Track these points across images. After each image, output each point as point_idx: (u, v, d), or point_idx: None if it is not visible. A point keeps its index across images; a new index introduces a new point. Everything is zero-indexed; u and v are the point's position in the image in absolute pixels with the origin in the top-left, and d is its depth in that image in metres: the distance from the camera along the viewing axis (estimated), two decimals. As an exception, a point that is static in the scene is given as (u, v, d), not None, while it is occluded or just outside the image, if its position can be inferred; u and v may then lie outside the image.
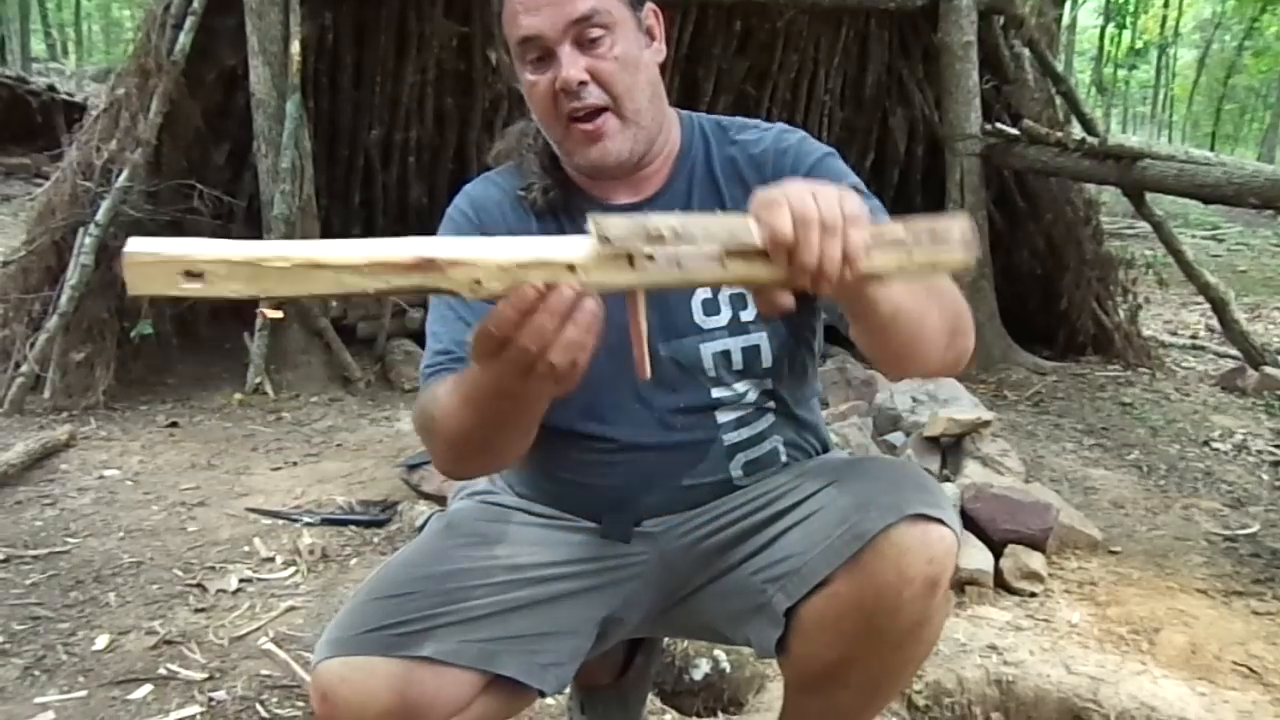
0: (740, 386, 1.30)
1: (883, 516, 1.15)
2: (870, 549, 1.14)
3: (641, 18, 1.27)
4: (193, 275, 0.77)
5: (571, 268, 0.84)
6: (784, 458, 1.35)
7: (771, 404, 1.33)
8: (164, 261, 0.77)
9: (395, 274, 0.80)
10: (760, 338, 1.29)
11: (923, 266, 0.93)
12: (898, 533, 1.14)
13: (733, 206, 1.27)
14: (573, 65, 1.19)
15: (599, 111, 1.22)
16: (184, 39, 4.21)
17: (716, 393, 1.30)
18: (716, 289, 1.29)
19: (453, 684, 1.15)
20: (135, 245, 0.77)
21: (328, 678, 1.13)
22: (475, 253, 0.83)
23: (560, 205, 1.32)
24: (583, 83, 1.19)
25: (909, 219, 0.92)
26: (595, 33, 1.19)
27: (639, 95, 1.24)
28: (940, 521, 1.16)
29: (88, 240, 4.02)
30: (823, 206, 0.89)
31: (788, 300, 0.93)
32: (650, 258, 0.85)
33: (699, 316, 1.29)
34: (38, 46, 21.43)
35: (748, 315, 1.29)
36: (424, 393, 1.22)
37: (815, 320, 1.38)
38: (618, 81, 1.21)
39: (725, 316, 1.29)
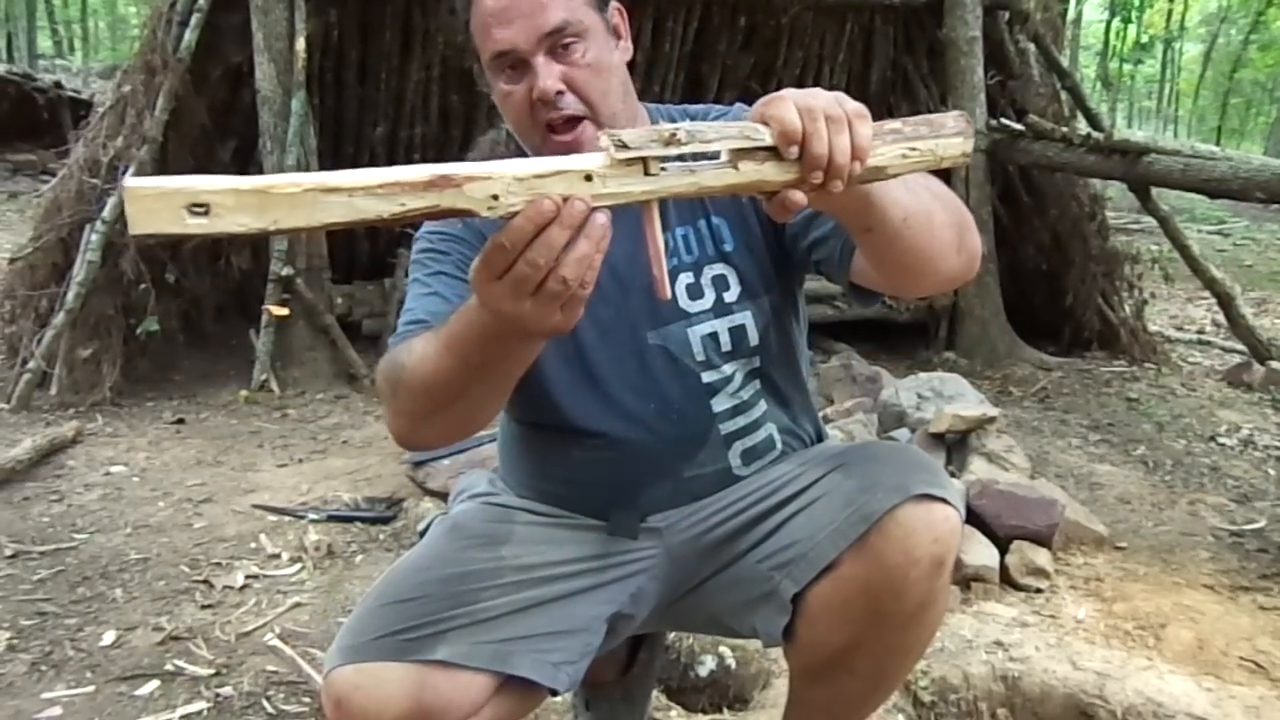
0: (729, 368, 1.31)
1: (888, 498, 1.16)
2: (876, 530, 1.15)
3: (608, 18, 1.27)
4: (197, 210, 0.73)
5: (589, 177, 0.84)
6: (779, 445, 1.36)
7: (763, 388, 1.35)
8: (168, 194, 0.73)
9: (410, 194, 0.78)
10: (745, 316, 1.31)
11: (925, 156, 0.94)
12: (903, 513, 1.15)
13: None
14: (549, 75, 1.19)
15: (576, 121, 1.22)
16: (190, 36, 4.22)
17: (707, 377, 1.31)
18: (698, 274, 1.30)
19: (467, 686, 1.16)
20: (136, 180, 0.74)
21: (341, 685, 1.13)
22: (490, 168, 0.81)
23: None
24: (559, 92, 1.19)
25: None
26: (568, 41, 1.20)
27: (612, 99, 1.24)
28: (944, 501, 1.17)
29: (94, 237, 4.02)
30: (824, 100, 0.90)
31: (800, 199, 0.92)
32: (664, 168, 0.86)
33: (684, 301, 1.30)
34: (44, 43, 21.45)
35: (731, 296, 1.31)
36: (391, 350, 1.18)
37: (797, 288, 1.39)
38: (593, 88, 1.21)
39: (709, 299, 1.31)
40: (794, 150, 0.89)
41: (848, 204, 1.01)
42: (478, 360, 1.01)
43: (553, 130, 1.22)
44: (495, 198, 0.81)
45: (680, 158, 0.86)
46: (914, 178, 1.04)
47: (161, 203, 0.73)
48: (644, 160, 0.85)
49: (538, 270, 0.87)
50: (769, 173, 0.90)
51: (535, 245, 0.86)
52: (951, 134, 0.95)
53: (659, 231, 0.91)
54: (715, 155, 0.89)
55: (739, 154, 0.88)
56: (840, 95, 0.92)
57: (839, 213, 1.08)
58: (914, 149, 0.93)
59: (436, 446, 1.29)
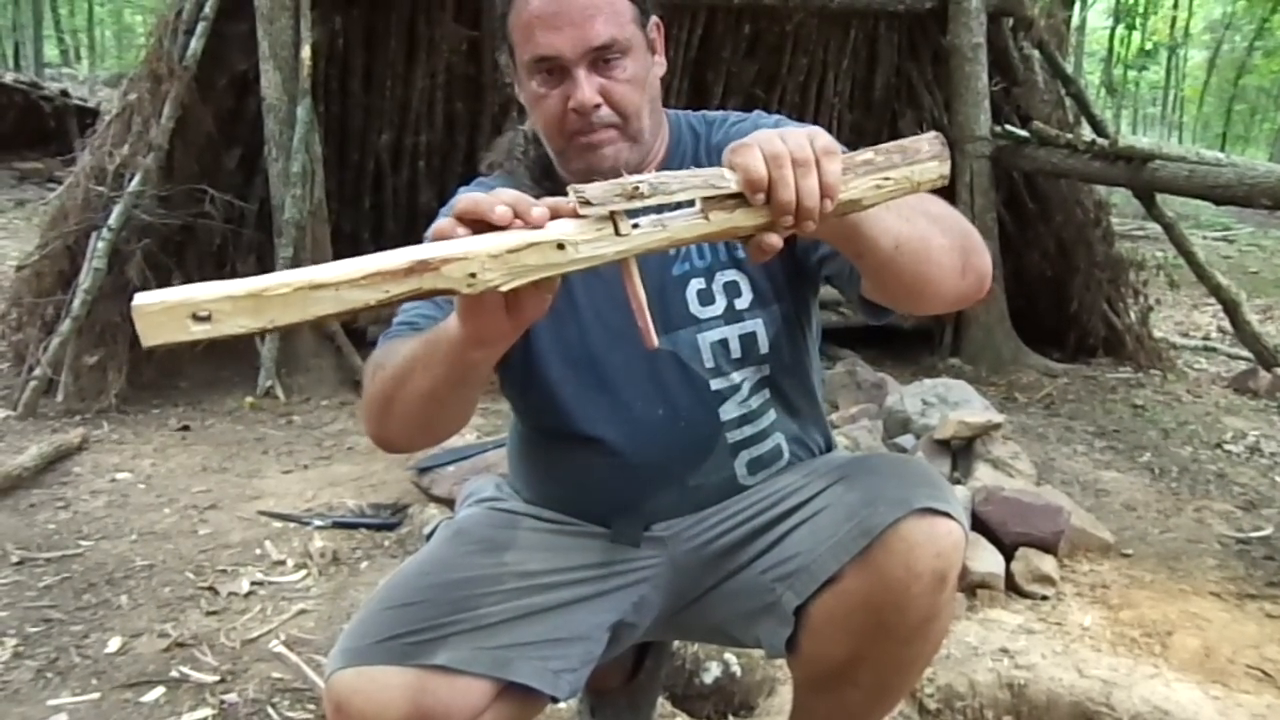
0: (738, 376, 1.31)
1: (890, 511, 1.15)
2: (879, 544, 1.15)
3: (648, 33, 1.28)
4: (200, 318, 0.78)
5: (561, 245, 0.86)
6: (787, 455, 1.36)
7: (772, 397, 1.34)
8: (172, 308, 0.78)
9: (392, 281, 0.81)
10: (756, 324, 1.30)
11: (900, 183, 0.94)
12: (906, 527, 1.14)
13: None
14: (589, 88, 1.20)
15: (605, 128, 1.23)
16: (195, 44, 4.23)
17: (716, 384, 1.30)
18: (709, 280, 1.30)
19: (466, 692, 1.16)
20: (142, 298, 0.78)
21: (341, 688, 1.13)
22: (466, 247, 0.84)
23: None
24: (596, 105, 1.21)
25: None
26: (612, 56, 1.21)
27: (644, 114, 1.26)
28: (948, 515, 1.16)
29: (100, 244, 4.03)
30: (792, 144, 0.90)
31: (775, 241, 0.93)
32: (635, 225, 0.87)
33: (695, 307, 1.30)
34: (51, 52, 21.55)
35: (742, 303, 1.31)
36: (378, 348, 1.22)
37: (810, 297, 1.39)
38: (629, 103, 1.23)
39: (720, 305, 1.30)
40: (760, 197, 0.90)
41: (832, 234, 1.01)
42: (453, 360, 1.04)
43: (579, 134, 1.23)
44: (473, 275, 0.84)
45: (646, 210, 0.88)
46: (912, 201, 1.04)
47: (167, 316, 0.78)
48: (613, 217, 0.86)
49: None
50: (740, 219, 0.91)
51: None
52: (926, 158, 0.95)
53: (639, 287, 0.92)
54: (692, 203, 0.90)
55: (710, 202, 0.90)
56: (814, 131, 0.93)
57: (828, 240, 1.08)
58: (888, 178, 0.94)
59: (401, 447, 1.31)
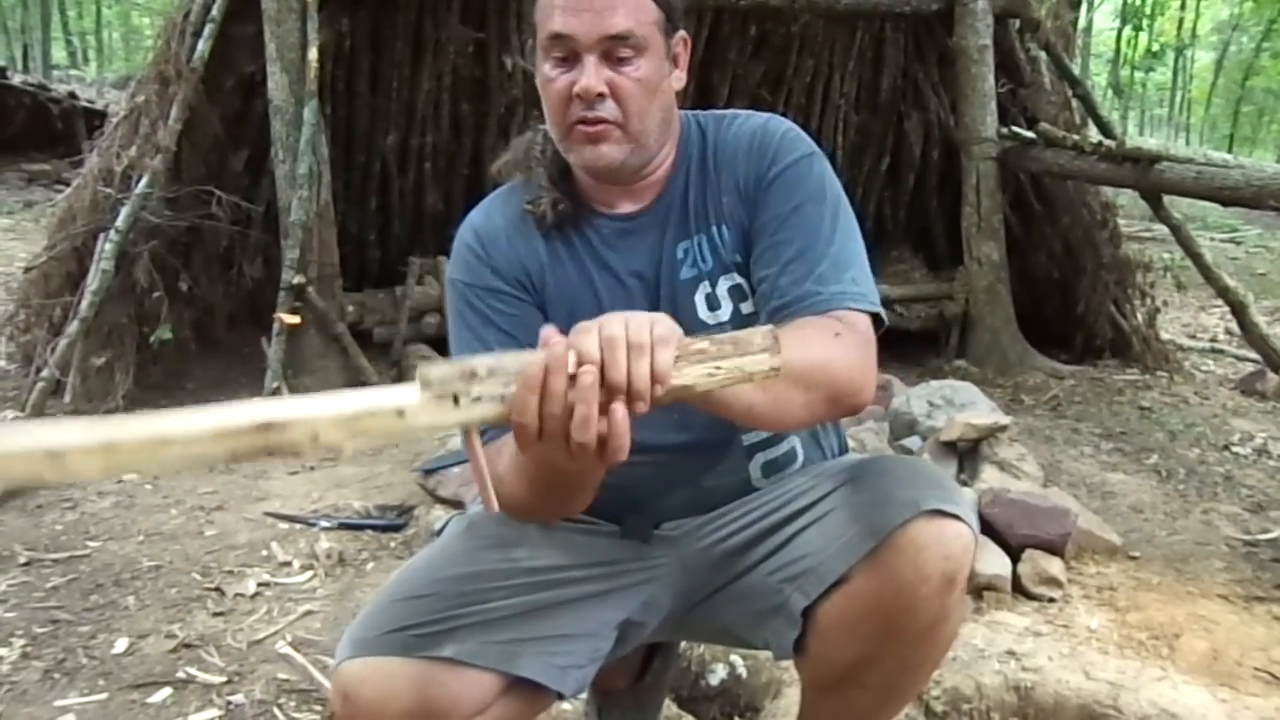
0: None
1: (899, 513, 1.15)
2: (887, 545, 1.14)
3: (671, 45, 1.29)
4: (55, 459, 0.80)
5: (400, 413, 0.89)
6: (801, 457, 1.36)
7: None
8: (30, 454, 0.80)
9: (239, 439, 0.84)
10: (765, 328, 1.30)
11: (731, 373, 0.98)
12: (915, 529, 1.14)
13: (724, 191, 1.32)
14: (595, 76, 1.20)
15: (605, 123, 1.23)
16: (203, 46, 4.24)
17: None
18: (714, 284, 1.31)
19: (473, 685, 1.16)
20: None
21: (349, 678, 1.14)
22: (309, 411, 0.87)
23: (569, 218, 1.33)
24: (600, 95, 1.21)
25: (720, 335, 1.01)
26: (625, 52, 1.21)
27: (649, 119, 1.26)
28: (957, 517, 1.16)
29: (108, 246, 4.04)
30: (631, 330, 0.95)
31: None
32: (479, 397, 0.92)
33: (703, 313, 1.30)
34: (59, 54, 21.60)
35: (748, 307, 1.31)
36: (492, 447, 1.23)
37: None
38: (633, 102, 1.23)
39: (727, 310, 1.31)
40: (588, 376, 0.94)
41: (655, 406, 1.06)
42: (554, 484, 1.13)
43: (579, 122, 1.23)
44: (316, 437, 0.87)
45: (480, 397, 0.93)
46: (798, 341, 1.11)
47: (23, 459, 0.80)
48: (454, 394, 0.91)
49: (561, 422, 0.94)
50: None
51: (545, 404, 0.93)
52: (758, 351, 0.98)
53: (480, 455, 0.97)
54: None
55: None
56: (657, 318, 0.97)
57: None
58: (719, 367, 0.98)
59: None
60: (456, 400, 0.91)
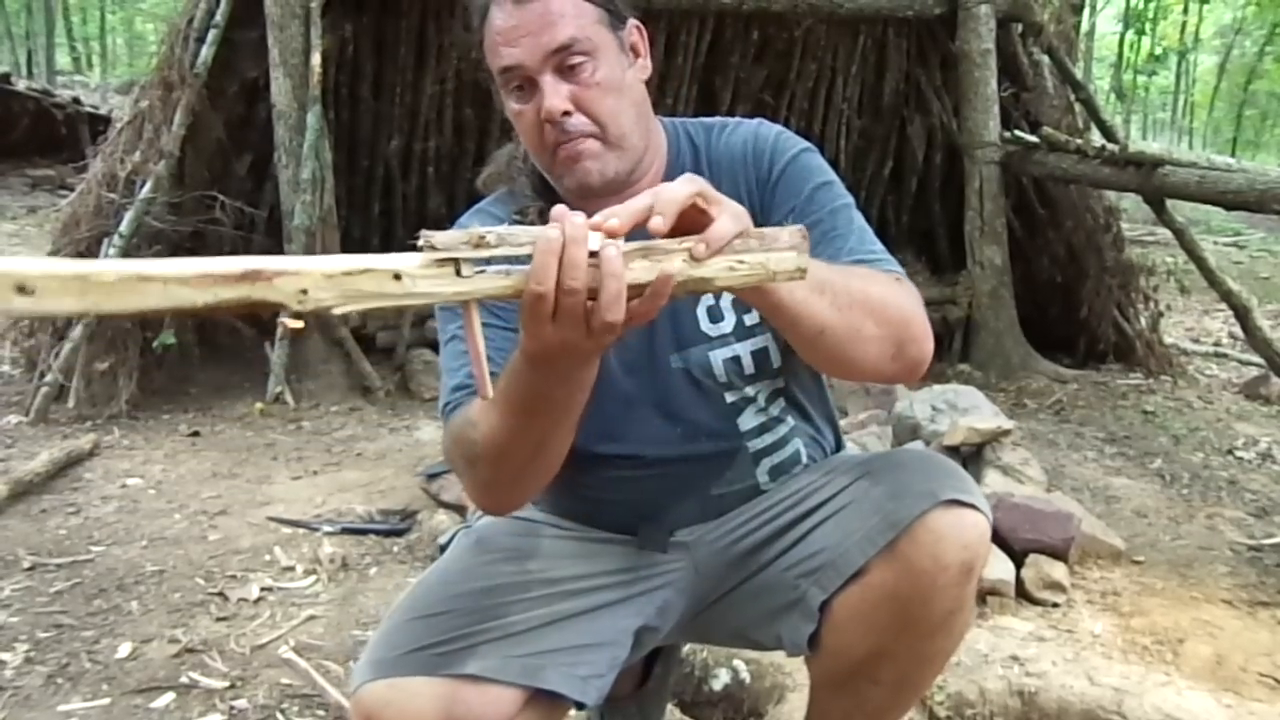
0: (752, 390, 1.31)
1: (917, 504, 1.15)
2: (905, 536, 1.15)
3: (624, 37, 1.25)
4: (24, 291, 0.77)
5: (397, 275, 0.85)
6: (805, 458, 1.36)
7: (789, 405, 1.34)
8: None
9: (222, 285, 0.80)
10: (767, 339, 1.30)
11: (754, 269, 0.94)
12: (932, 519, 1.14)
13: None
14: (555, 95, 1.18)
15: (584, 137, 1.21)
16: (206, 52, 4.26)
17: (731, 397, 1.30)
18: (718, 296, 1.29)
19: (497, 700, 1.16)
20: None
21: (371, 700, 1.13)
22: (300, 264, 0.83)
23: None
24: (566, 112, 1.18)
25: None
26: (576, 59, 1.18)
27: (624, 119, 1.23)
28: (974, 507, 1.17)
29: (111, 251, 4.05)
30: (660, 200, 0.93)
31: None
32: (481, 269, 0.88)
33: (705, 324, 1.30)
34: (63, 60, 21.67)
35: (751, 318, 1.30)
36: (453, 425, 1.20)
37: None
38: (602, 108, 1.20)
39: (730, 322, 1.30)
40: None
41: (760, 308, 1.03)
42: (545, 408, 1.06)
43: (559, 145, 1.21)
44: (304, 292, 0.83)
45: (494, 260, 0.88)
46: (856, 285, 1.07)
47: None
48: (456, 262, 0.86)
49: (578, 295, 0.89)
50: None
51: (564, 273, 0.88)
52: (785, 248, 0.95)
53: (478, 333, 0.91)
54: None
55: None
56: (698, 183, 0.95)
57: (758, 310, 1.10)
58: (742, 262, 0.94)
59: (524, 505, 1.31)
60: (459, 270, 0.86)
